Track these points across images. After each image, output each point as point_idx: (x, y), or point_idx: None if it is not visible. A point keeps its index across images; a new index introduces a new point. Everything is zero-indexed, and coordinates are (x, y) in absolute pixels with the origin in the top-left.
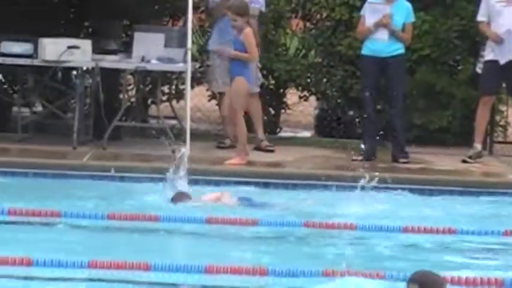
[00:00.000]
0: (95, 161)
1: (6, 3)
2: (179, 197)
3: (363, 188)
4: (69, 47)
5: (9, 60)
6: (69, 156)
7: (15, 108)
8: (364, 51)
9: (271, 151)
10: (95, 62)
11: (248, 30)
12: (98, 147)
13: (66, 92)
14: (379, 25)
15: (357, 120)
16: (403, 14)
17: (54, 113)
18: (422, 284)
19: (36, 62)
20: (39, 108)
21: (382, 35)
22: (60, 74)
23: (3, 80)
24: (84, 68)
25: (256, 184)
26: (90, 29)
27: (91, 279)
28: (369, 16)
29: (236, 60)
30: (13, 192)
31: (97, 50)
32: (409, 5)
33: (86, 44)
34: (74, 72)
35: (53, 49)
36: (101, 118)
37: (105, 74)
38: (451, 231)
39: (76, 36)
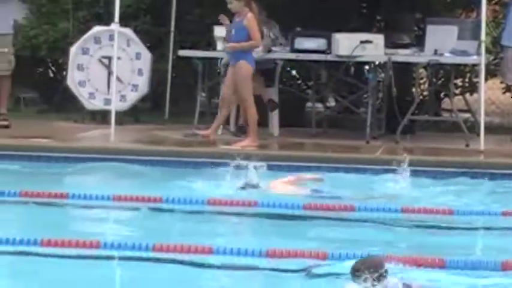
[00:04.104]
0: (388, 155)
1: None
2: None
3: None
4: (362, 42)
5: (303, 56)
6: (362, 150)
7: (309, 104)
8: None
9: None
10: (388, 56)
11: (251, 15)
12: (390, 141)
13: (359, 87)
14: None
15: None
16: None
17: (347, 108)
18: (358, 269)
19: (329, 58)
20: (332, 103)
21: None
22: (352, 69)
23: (297, 76)
24: (377, 63)
25: None
26: (382, 23)
27: None
28: None
29: None
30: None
31: (389, 44)
32: None
33: (379, 39)
34: (367, 67)
35: (346, 44)
36: (393, 112)
37: (398, 68)
38: None
39: (368, 30)
